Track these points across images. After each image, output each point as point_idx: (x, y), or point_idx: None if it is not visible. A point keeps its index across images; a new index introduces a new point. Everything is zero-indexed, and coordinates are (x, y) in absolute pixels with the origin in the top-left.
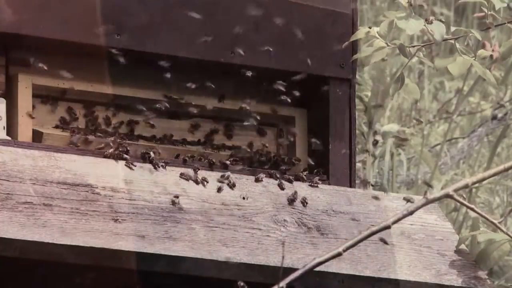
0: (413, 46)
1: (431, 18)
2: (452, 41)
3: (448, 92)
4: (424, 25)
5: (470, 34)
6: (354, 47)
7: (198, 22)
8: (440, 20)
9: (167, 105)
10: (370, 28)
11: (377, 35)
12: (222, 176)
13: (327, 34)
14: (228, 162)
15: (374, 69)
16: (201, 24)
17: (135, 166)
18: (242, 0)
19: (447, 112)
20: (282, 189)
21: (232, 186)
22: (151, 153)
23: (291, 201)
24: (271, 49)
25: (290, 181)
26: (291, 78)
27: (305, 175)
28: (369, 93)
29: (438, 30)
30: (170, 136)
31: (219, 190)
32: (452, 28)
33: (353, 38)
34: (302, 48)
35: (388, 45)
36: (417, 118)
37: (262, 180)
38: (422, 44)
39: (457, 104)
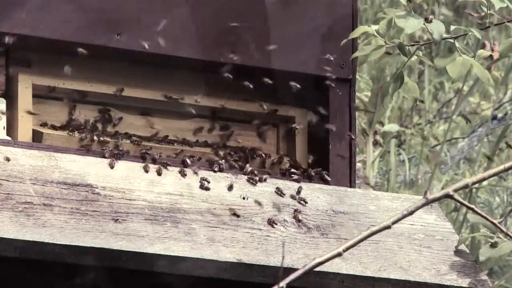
0: (413, 45)
1: (431, 17)
2: (452, 41)
3: (448, 92)
4: (424, 24)
5: (470, 33)
6: (354, 46)
7: (198, 22)
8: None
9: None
10: (369, 26)
11: (375, 34)
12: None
13: (327, 34)
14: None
15: (374, 69)
16: (201, 24)
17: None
18: (242, 0)
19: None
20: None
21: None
22: (155, 154)
23: (297, 193)
24: (271, 49)
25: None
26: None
27: (307, 172)
28: (369, 93)
29: (437, 29)
30: (170, 135)
31: (202, 187)
32: (452, 27)
33: (351, 36)
34: (302, 48)
35: (386, 44)
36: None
37: (265, 181)
38: (422, 43)
39: (457, 104)
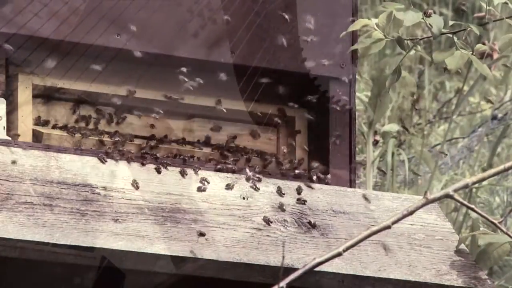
0: (411, 39)
1: (430, 11)
2: (451, 36)
3: (448, 92)
4: (422, 18)
5: (469, 29)
6: (354, 44)
7: (198, 22)
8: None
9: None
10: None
11: (375, 27)
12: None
13: (327, 34)
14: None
15: (374, 69)
16: (201, 24)
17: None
18: (242, 1)
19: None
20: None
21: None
22: (156, 154)
23: (298, 192)
24: (271, 50)
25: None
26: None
27: (306, 173)
28: (369, 93)
29: (436, 23)
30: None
31: (202, 187)
32: (451, 22)
33: (351, 28)
34: (302, 48)
35: (386, 37)
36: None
37: (260, 181)
38: (420, 38)
39: (457, 104)
